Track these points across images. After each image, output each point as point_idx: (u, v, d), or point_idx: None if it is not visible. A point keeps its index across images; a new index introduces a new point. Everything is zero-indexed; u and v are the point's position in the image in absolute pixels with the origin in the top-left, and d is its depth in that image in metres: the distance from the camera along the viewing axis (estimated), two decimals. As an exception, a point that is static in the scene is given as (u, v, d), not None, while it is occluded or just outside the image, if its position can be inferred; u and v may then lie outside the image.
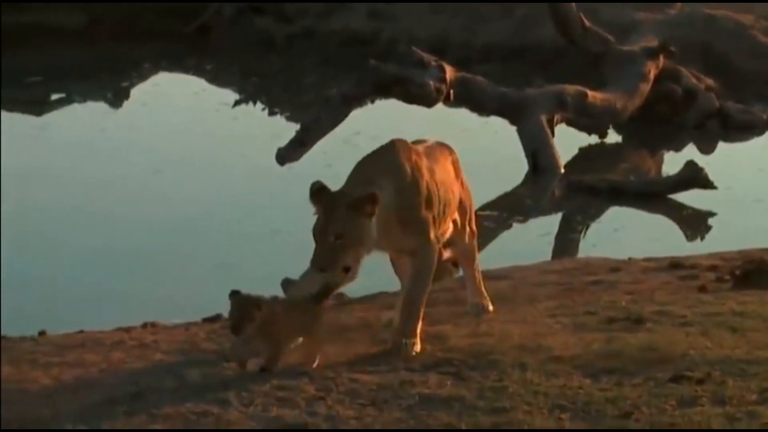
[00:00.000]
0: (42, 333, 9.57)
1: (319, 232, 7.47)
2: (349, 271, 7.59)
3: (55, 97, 21.30)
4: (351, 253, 7.55)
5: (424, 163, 7.98)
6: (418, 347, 7.88)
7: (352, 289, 9.19)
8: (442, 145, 8.65)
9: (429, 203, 7.93)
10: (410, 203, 7.80)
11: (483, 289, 9.03)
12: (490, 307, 8.97)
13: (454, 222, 8.58)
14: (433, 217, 8.02)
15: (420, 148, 8.24)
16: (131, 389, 7.50)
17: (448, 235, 8.48)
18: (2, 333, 9.51)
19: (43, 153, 17.50)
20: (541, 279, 10.52)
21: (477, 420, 6.89)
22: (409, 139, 8.29)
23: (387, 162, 7.82)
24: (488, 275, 10.80)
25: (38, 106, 20.49)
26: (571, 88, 16.82)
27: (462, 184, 8.68)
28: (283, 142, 15.50)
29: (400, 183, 7.75)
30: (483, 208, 14.69)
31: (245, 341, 7.39)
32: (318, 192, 7.56)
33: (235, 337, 7.48)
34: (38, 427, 6.15)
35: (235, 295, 7.46)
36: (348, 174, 7.87)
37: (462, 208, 8.65)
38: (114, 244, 13.28)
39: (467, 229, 8.82)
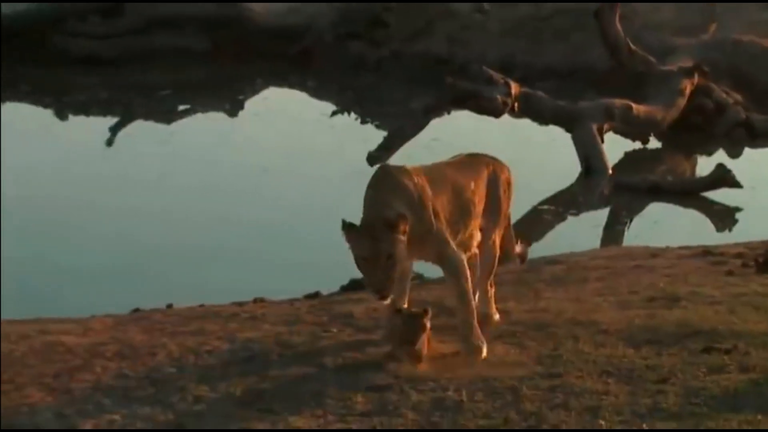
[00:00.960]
0: (170, 306, 9.63)
1: (370, 257, 7.03)
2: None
3: (181, 108, 21.41)
4: (396, 272, 7.12)
5: (423, 180, 7.48)
6: (485, 351, 7.42)
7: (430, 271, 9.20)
8: (478, 159, 8.07)
9: (437, 215, 7.47)
10: (421, 217, 7.34)
11: (492, 300, 8.28)
12: (497, 317, 8.26)
13: (481, 229, 7.99)
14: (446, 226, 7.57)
15: (422, 168, 7.69)
16: (244, 354, 7.54)
17: (476, 240, 7.97)
18: (138, 306, 9.58)
19: (173, 155, 17.62)
20: (591, 264, 10.47)
21: (536, 383, 6.87)
22: (474, 148, 8.10)
23: (391, 186, 7.37)
24: (546, 260, 10.79)
25: (168, 115, 20.62)
26: (618, 102, 16.75)
27: (504, 193, 8.11)
28: (373, 146, 15.53)
29: (408, 201, 7.32)
30: (543, 203, 14.67)
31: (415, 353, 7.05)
32: (350, 227, 7.19)
33: (409, 348, 7.17)
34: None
35: (399, 312, 7.28)
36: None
37: (490, 215, 8.04)
38: (229, 233, 13.34)
39: (490, 237, 8.09)
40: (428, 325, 6.86)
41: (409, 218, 7.16)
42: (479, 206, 7.86)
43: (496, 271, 8.27)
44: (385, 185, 7.39)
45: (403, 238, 7.08)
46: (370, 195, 7.39)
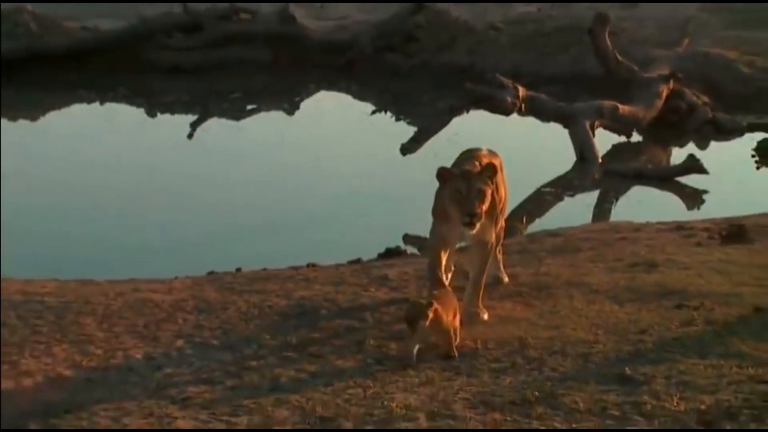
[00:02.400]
0: (238, 269, 9.64)
1: (466, 188, 6.90)
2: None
3: (249, 107, 21.44)
4: (485, 204, 6.98)
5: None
6: (486, 315, 7.25)
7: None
8: (492, 153, 7.68)
9: (500, 203, 7.39)
10: (495, 200, 7.22)
11: (502, 266, 8.18)
12: (506, 279, 8.16)
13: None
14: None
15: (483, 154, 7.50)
16: (298, 310, 7.55)
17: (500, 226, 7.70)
18: (212, 270, 9.60)
19: (241, 146, 17.67)
20: (584, 236, 10.43)
21: (538, 334, 6.84)
22: (488, 141, 7.96)
23: (484, 155, 7.31)
24: (547, 233, 10.75)
25: (238, 114, 20.67)
26: (608, 103, 16.66)
27: (503, 180, 7.68)
28: (405, 139, 15.49)
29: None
30: (545, 186, 14.60)
31: (418, 337, 6.43)
32: (445, 170, 7.07)
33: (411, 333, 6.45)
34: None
35: (409, 300, 6.79)
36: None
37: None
38: (287, 210, 13.35)
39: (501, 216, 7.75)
40: (431, 315, 6.28)
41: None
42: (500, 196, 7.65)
43: (503, 242, 8.23)
44: (479, 152, 7.34)
45: (492, 183, 7.05)
46: (466, 156, 7.34)
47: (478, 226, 6.96)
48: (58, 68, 22.47)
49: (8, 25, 22.90)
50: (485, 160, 7.27)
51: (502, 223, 7.76)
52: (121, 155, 16.36)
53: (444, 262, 7.39)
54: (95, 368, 6.39)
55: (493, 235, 7.42)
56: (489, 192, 7.04)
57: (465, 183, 6.96)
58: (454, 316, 6.60)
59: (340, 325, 7.13)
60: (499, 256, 8.14)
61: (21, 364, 6.46)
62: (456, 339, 6.55)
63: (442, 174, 7.09)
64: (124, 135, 18.41)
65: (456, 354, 6.43)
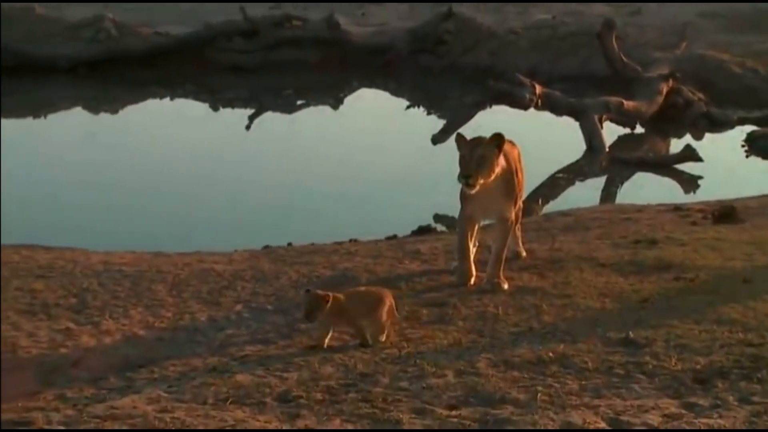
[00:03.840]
0: (290, 244, 9.65)
1: (468, 153, 6.77)
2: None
3: (299, 102, 21.43)
4: (485, 174, 6.80)
5: (513, 152, 7.31)
6: (506, 285, 7.11)
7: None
8: (511, 142, 7.47)
9: (519, 183, 7.32)
10: (509, 179, 7.11)
11: (521, 242, 8.02)
12: (524, 254, 8.01)
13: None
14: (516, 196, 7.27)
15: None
16: (342, 278, 7.54)
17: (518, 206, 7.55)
18: (268, 244, 9.61)
19: (292, 136, 17.67)
20: (593, 216, 10.37)
21: (552, 302, 6.80)
22: (508, 133, 7.75)
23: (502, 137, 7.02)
24: (560, 213, 10.71)
25: (289, 108, 20.67)
26: (614, 99, 16.54)
27: (521, 170, 7.54)
28: (435, 130, 15.41)
29: (507, 158, 7.07)
30: (558, 172, 14.52)
31: (321, 325, 5.93)
32: (461, 137, 6.95)
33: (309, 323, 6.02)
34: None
35: (308, 292, 5.93)
36: None
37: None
38: (332, 191, 13.34)
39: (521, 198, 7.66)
40: (328, 306, 5.79)
41: (504, 169, 6.94)
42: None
43: (521, 221, 8.18)
44: (496, 135, 6.98)
45: (498, 152, 6.86)
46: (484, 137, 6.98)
47: (477, 186, 6.79)
48: (135, 68, 22.55)
49: (91, 31, 23.02)
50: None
51: (520, 204, 7.68)
52: (188, 144, 16.41)
53: (470, 238, 7.34)
54: (165, 329, 6.42)
55: (512, 214, 7.33)
56: (493, 158, 6.85)
57: (468, 149, 6.84)
58: (380, 311, 5.99)
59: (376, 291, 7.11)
60: (518, 233, 8.05)
61: (102, 325, 6.50)
62: (383, 332, 5.99)
63: (457, 140, 6.98)
64: (191, 126, 18.46)
65: (370, 343, 5.87)
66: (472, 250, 7.46)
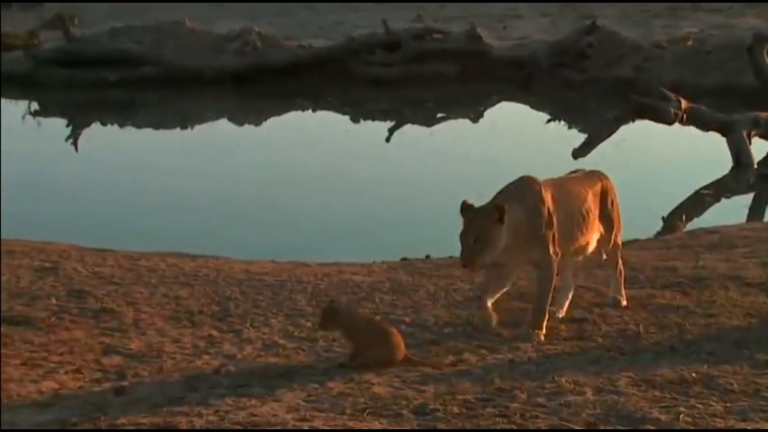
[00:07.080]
0: (428, 257, 9.63)
1: (463, 236, 6.21)
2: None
3: (439, 115, 21.49)
4: (487, 253, 6.19)
5: (549, 193, 6.52)
6: (542, 337, 6.38)
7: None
8: (592, 175, 6.98)
9: (549, 224, 6.42)
10: (534, 222, 6.40)
11: (622, 287, 7.16)
12: (624, 302, 7.09)
13: (600, 233, 6.92)
14: (554, 235, 6.44)
15: (551, 181, 6.74)
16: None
17: (592, 246, 6.90)
18: (406, 256, 9.62)
19: (432, 149, 17.71)
20: (739, 234, 10.07)
21: (696, 321, 6.63)
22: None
23: (516, 190, 6.49)
24: (705, 230, 10.42)
25: (429, 120, 20.76)
26: (763, 114, 16.06)
27: (611, 204, 6.96)
28: (577, 145, 15.24)
29: (526, 206, 6.40)
30: (704, 188, 14.17)
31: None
32: (465, 207, 6.34)
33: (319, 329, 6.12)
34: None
35: (331, 303, 6.06)
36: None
37: (607, 223, 6.95)
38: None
39: (611, 240, 7.04)
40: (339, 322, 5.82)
41: (520, 219, 6.33)
42: (595, 213, 6.82)
43: (624, 257, 7.38)
44: (514, 188, 6.55)
45: (499, 227, 6.18)
46: (497, 194, 6.54)
47: (475, 271, 6.41)
48: (278, 80, 23.01)
49: (237, 44, 23.59)
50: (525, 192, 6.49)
51: (618, 241, 7.15)
52: (329, 155, 16.63)
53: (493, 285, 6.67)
54: (305, 338, 6.49)
55: (546, 255, 6.44)
56: (493, 233, 6.18)
57: (467, 223, 6.26)
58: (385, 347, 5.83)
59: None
60: (620, 277, 7.22)
61: (243, 333, 6.61)
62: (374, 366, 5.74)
63: (462, 208, 6.36)
64: (333, 138, 18.71)
65: (351, 367, 5.72)
66: (495, 295, 6.69)
